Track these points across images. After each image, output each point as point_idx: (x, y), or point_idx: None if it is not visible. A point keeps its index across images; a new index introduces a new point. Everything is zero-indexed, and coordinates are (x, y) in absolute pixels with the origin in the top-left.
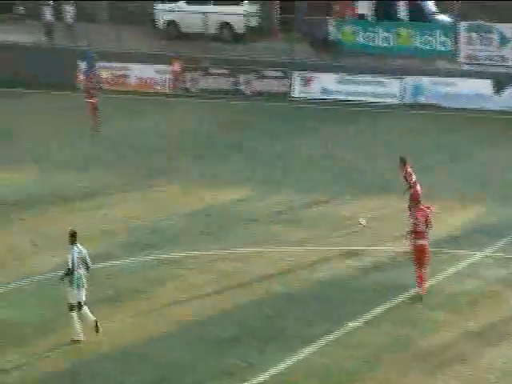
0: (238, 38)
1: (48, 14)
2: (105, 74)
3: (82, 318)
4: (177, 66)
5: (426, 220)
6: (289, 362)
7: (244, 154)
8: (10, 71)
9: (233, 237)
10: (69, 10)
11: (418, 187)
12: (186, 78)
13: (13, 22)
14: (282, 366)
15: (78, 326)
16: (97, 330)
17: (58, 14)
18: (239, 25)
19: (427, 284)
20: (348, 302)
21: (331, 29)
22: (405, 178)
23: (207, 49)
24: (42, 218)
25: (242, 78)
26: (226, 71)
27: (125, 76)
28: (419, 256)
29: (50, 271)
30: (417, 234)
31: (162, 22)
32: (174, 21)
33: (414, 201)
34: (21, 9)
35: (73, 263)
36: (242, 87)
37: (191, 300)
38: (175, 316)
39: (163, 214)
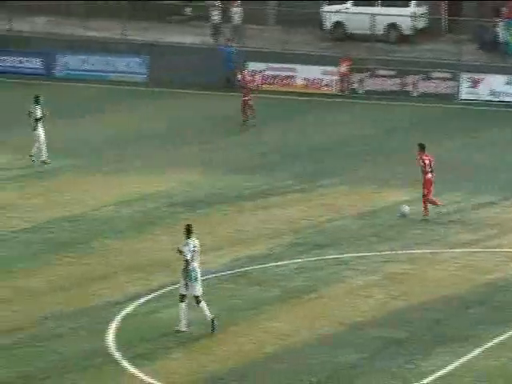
0: (404, 39)
1: (215, 15)
2: (257, 74)
3: (201, 311)
4: (344, 67)
5: None
6: (455, 364)
7: (410, 156)
8: (175, 72)
9: (401, 238)
10: (236, 12)
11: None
12: (353, 79)
13: (180, 24)
14: (448, 369)
15: (185, 317)
16: (212, 329)
17: (226, 16)
18: (406, 26)
19: None
20: None
21: (500, 30)
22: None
23: (374, 50)
24: (210, 219)
25: (408, 80)
26: (392, 72)
27: (291, 77)
28: None
29: (216, 271)
30: None
31: (328, 23)
32: (340, 22)
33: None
34: (189, 10)
35: (191, 255)
36: (408, 88)
37: (358, 301)
38: (342, 317)
39: (331, 215)
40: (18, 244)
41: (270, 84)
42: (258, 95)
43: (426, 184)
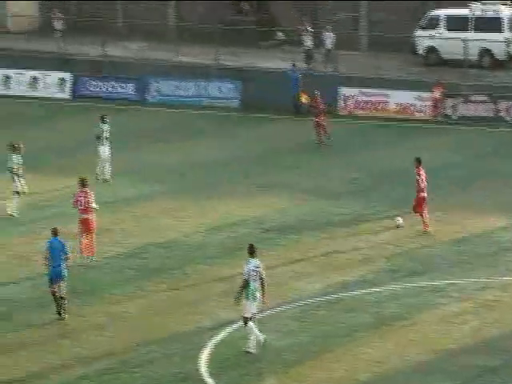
0: (498, 65)
1: (308, 40)
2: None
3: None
4: (437, 93)
5: None
6: None
7: (503, 182)
8: (267, 96)
9: (494, 265)
10: (328, 37)
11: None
12: (446, 105)
13: (273, 49)
14: None
15: (255, 338)
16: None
17: (318, 41)
18: (500, 51)
19: None
20: None
21: None
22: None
23: (467, 75)
24: (301, 245)
25: (502, 105)
26: (486, 98)
27: (384, 102)
28: None
29: (309, 297)
30: None
31: (421, 48)
32: (434, 47)
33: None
34: (281, 35)
35: (249, 275)
36: (502, 114)
37: (451, 328)
38: (435, 344)
39: (423, 241)
40: (112, 270)
41: (362, 109)
42: (350, 120)
43: (419, 201)
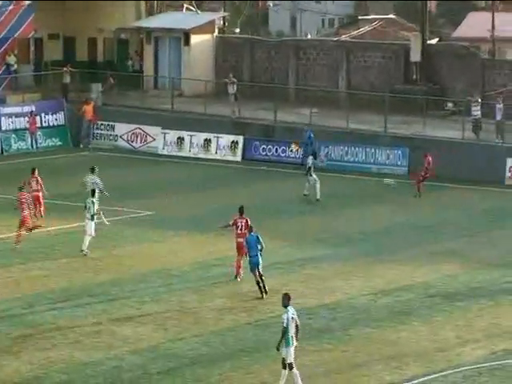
0: None
1: (476, 110)
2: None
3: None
4: None
5: None
6: None
7: None
8: (435, 165)
9: None
10: (499, 108)
11: None
12: None
13: (441, 118)
14: None
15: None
16: None
17: (487, 111)
18: None
19: None
20: None
21: None
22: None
23: None
24: (467, 312)
25: None
26: None
27: None
28: None
29: (472, 363)
30: None
31: None
32: None
33: None
34: (450, 106)
35: (288, 323)
36: None
37: None
38: None
39: None
40: (278, 328)
41: None
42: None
43: None
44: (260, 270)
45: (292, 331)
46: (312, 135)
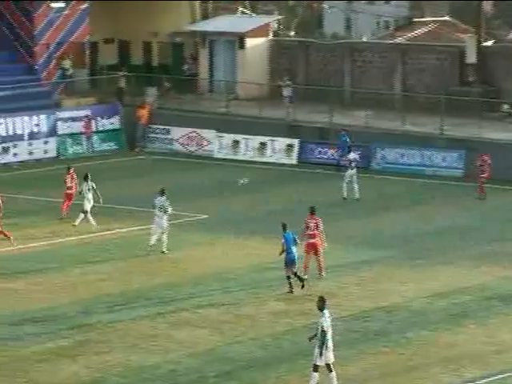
0: None
1: None
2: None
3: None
4: None
5: None
6: None
7: None
8: (492, 168)
9: None
10: None
11: None
12: None
13: (498, 120)
14: None
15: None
16: None
17: None
18: None
19: None
20: None
21: None
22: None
23: None
24: None
25: None
26: None
27: None
28: None
29: None
30: None
31: None
32: None
33: None
34: (507, 108)
35: (326, 326)
36: None
37: None
38: None
39: None
40: (334, 332)
41: None
42: None
43: None
44: (295, 269)
45: (330, 335)
46: (348, 139)
